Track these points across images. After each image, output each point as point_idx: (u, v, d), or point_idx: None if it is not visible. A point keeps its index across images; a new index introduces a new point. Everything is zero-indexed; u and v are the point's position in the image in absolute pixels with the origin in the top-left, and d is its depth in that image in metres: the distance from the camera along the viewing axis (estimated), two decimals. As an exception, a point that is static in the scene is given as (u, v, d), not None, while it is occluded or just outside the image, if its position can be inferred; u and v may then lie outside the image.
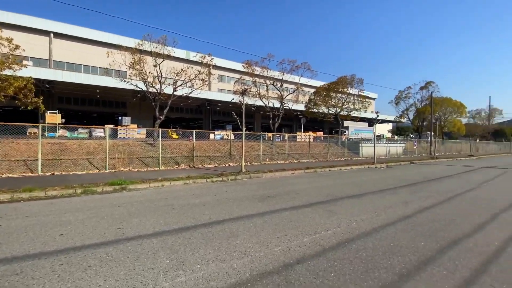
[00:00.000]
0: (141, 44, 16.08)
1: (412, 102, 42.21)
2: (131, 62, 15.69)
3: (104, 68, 23.59)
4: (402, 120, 47.31)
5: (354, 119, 32.79)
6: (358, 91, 31.29)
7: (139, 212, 5.86)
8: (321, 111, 30.23)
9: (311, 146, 23.09)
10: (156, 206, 6.41)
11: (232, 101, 14.80)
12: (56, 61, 31.57)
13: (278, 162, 18.09)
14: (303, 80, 24.99)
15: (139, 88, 16.81)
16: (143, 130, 25.28)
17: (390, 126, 62.81)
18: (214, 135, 28.52)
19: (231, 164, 15.73)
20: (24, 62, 19.49)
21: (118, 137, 22.41)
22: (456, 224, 5.33)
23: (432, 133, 32.21)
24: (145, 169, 12.74)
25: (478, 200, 7.63)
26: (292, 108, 28.33)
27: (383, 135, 48.24)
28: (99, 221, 5.17)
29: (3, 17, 26.96)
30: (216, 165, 15.17)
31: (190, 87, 18.39)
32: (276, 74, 23.88)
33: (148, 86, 16.33)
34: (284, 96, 23.30)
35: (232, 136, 24.67)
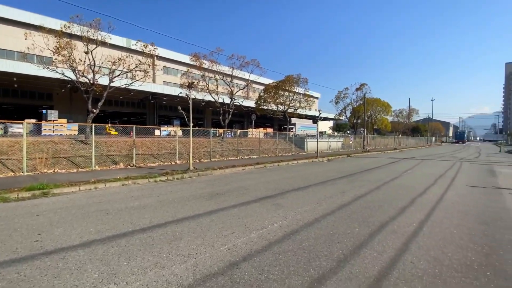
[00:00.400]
0: (69, 27, 13.88)
1: (349, 102, 46.69)
2: (56, 46, 13.45)
3: (21, 52, 19.77)
4: (341, 118, 52.05)
5: (300, 116, 34.64)
6: (304, 90, 33.12)
7: (64, 220, 5.04)
8: (270, 108, 31.09)
9: (261, 142, 23.56)
10: (86, 212, 5.62)
11: (180, 95, 13.94)
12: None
13: (229, 158, 17.94)
14: (253, 77, 25.24)
15: (67, 77, 14.57)
16: (75, 126, 22.15)
17: (331, 123, 68.52)
18: (160, 131, 26.77)
19: (178, 162, 14.95)
20: None
21: (43, 133, 19.13)
22: (383, 209, 6.02)
23: (365, 130, 36.26)
24: (75, 170, 11.14)
25: (401, 187, 8.82)
26: (243, 104, 28.41)
27: (325, 131, 52.38)
28: (10, 234, 4.28)
29: None
30: (161, 163, 14.21)
31: (131, 78, 16.76)
32: (225, 69, 23.53)
33: (78, 76, 14.25)
34: (234, 92, 23.15)
35: (180, 132, 23.52)
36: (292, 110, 31.55)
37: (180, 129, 22.10)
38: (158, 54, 18.12)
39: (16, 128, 19.41)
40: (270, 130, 39.77)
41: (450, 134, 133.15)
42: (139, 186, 8.58)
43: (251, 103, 35.25)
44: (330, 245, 3.96)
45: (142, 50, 16.30)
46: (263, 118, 42.57)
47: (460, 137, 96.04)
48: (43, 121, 22.13)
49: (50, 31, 13.77)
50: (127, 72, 16.21)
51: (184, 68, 30.45)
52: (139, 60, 16.19)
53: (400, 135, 57.01)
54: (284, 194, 7.49)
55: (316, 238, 4.21)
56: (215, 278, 2.99)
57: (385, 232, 4.53)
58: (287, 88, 30.61)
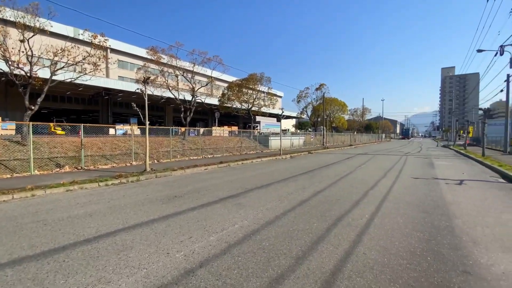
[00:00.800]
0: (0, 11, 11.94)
1: (310, 101, 48.68)
2: (-20, 31, 11.46)
3: None
4: (303, 116, 54.10)
5: (264, 114, 35.00)
6: (268, 89, 33.56)
7: (-13, 236, 4.28)
8: (234, 106, 30.86)
9: (225, 140, 23.22)
10: (19, 224, 4.87)
11: (136, 91, 12.94)
12: None
13: (191, 158, 17.33)
14: (216, 74, 24.72)
15: (-3, 68, 12.56)
16: (12, 125, 19.35)
17: (293, 121, 70.81)
18: (115, 130, 24.76)
19: (134, 163, 13.96)
20: None
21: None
22: (340, 203, 6.32)
23: (324, 127, 38.19)
24: (8, 176, 9.65)
25: (355, 181, 9.40)
26: (206, 101, 27.72)
27: (288, 129, 53.91)
28: None
29: None
30: (115, 165, 13.11)
31: (79, 72, 15.10)
32: (186, 64, 22.64)
33: (12, 67, 12.36)
34: (196, 89, 22.40)
35: (138, 131, 22.04)
36: (256, 108, 31.75)
37: (138, 127, 20.68)
38: (110, 46, 16.64)
39: None
40: (235, 128, 39.56)
41: (398, 131, 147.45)
42: (87, 192, 7.75)
43: (214, 101, 34.60)
44: (289, 242, 3.99)
45: (90, 41, 14.79)
46: (228, 116, 42.16)
47: (405, 133, 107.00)
48: (-33, 119, 18.90)
49: (-28, 13, 11.69)
50: (73, 65, 14.57)
51: (141, 63, 28.59)
52: (87, 52, 14.67)
53: (355, 132, 61.29)
54: (246, 193, 7.42)
55: (276, 237, 4.21)
56: (168, 289, 2.77)
57: (341, 226, 4.74)
58: (251, 86, 30.68)
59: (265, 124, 44.12)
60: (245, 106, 30.90)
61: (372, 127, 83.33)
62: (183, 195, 7.23)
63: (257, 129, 35.70)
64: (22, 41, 12.60)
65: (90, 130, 14.54)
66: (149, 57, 20.97)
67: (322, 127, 41.85)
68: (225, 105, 31.01)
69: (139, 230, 4.49)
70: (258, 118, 39.16)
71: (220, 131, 32.25)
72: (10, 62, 12.32)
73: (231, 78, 37.76)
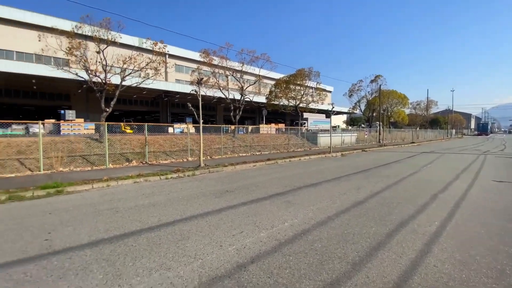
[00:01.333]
0: (80, 27, 14.12)
1: (364, 95, 45.25)
2: (69, 47, 13.73)
3: (38, 54, 20.45)
4: (355, 111, 50.63)
5: (312, 111, 33.89)
6: (316, 84, 32.38)
7: (75, 218, 5.08)
8: (281, 103, 30.64)
9: (273, 137, 23.27)
10: (97, 210, 5.65)
11: (191, 92, 13.91)
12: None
13: (240, 155, 17.84)
14: (263, 72, 24.88)
15: (80, 77, 14.88)
16: (92, 125, 22.79)
17: (344, 117, 66.96)
18: (173, 129, 27.06)
19: (190, 159, 15.00)
20: None
21: (62, 133, 19.83)
22: (402, 206, 5.67)
23: (381, 123, 35.06)
24: (89, 168, 11.38)
25: (420, 182, 8.34)
26: (254, 100, 28.18)
27: (338, 125, 51.24)
28: (21, 233, 4.32)
29: None
30: (173, 160, 14.30)
31: (144, 77, 16.91)
32: (235, 64, 23.31)
33: (91, 75, 14.53)
34: (244, 88, 22.93)
35: (192, 129, 23.67)
36: (304, 104, 30.97)
37: (192, 126, 22.24)
38: (168, 51, 18.15)
39: (36, 128, 20.17)
40: (282, 125, 39.35)
41: (472, 126, 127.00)
42: (150, 184, 8.61)
43: (262, 99, 34.93)
44: (344, 246, 3.72)
45: (152, 48, 16.38)
46: (275, 114, 42.16)
47: (483, 129, 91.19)
48: (62, 121, 22.91)
49: (62, 32, 14.06)
50: (138, 71, 16.38)
51: (195, 65, 30.54)
52: (149, 58, 16.30)
53: (418, 128, 54.86)
54: (295, 191, 7.26)
55: (329, 239, 3.98)
56: (221, 281, 2.84)
57: (405, 232, 4.23)
58: (299, 82, 30.00)
59: (313, 121, 42.76)
60: (292, 102, 30.42)
61: (439, 122, 73.45)
62: (234, 190, 7.45)
63: (304, 126, 34.77)
64: (98, 52, 14.64)
65: (153, 129, 16.19)
66: (201, 59, 22.23)
67: (378, 122, 38.57)
68: (272, 102, 31.00)
69: (195, 222, 4.75)
70: (305, 114, 38.09)
71: (267, 129, 32.43)
72: (89, 71, 14.47)
73: (277, 75, 37.58)
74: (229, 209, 5.59)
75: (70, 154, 11.90)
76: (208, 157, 15.87)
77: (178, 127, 28.36)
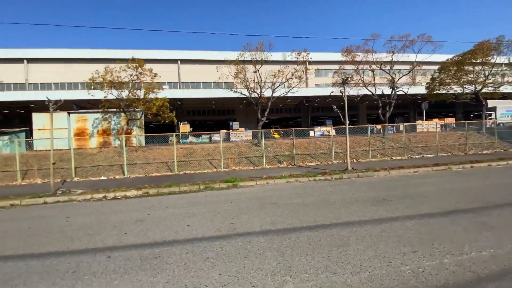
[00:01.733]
0: (242, 54, 17.53)
1: None
2: (235, 72, 17.37)
3: (215, 82, 27.56)
4: None
5: (505, 96, 23.89)
6: (509, 59, 22.68)
7: (248, 208, 6.20)
8: (450, 92, 23.85)
9: (439, 136, 18.54)
10: (262, 203, 6.63)
11: (331, 94, 13.77)
12: (183, 82, 39.42)
13: (393, 158, 15.48)
14: (421, 57, 20.44)
15: (243, 94, 18.40)
16: (249, 132, 27.68)
17: None
18: (314, 132, 27.79)
19: (334, 161, 14.70)
20: (164, 87, 25.28)
21: (231, 140, 25.53)
22: None
23: None
24: (251, 168, 13.73)
25: None
26: (408, 92, 23.78)
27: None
28: (215, 216, 5.78)
29: (143, 54, 35.74)
30: (318, 163, 14.55)
31: (288, 87, 18.57)
32: (383, 56, 20.63)
33: (250, 92, 17.64)
34: (396, 80, 19.81)
35: (334, 132, 23.21)
36: (489, 89, 22.55)
37: (333, 128, 21.81)
38: (311, 58, 18.83)
39: (216, 136, 27.00)
40: (450, 120, 30.71)
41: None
42: (300, 184, 9.16)
43: (419, 90, 28.86)
44: None
45: (296, 59, 17.64)
46: (438, 106, 33.45)
47: None
48: (230, 130, 29.41)
49: (231, 61, 17.99)
50: (284, 82, 18.13)
51: (335, 67, 29.91)
52: (294, 68, 17.64)
53: None
54: (490, 210, 5.29)
55: None
56: (399, 305, 2.45)
57: None
58: (479, 61, 22.22)
59: (506, 110, 30.25)
60: (469, 88, 22.92)
61: None
62: (393, 199, 6.47)
63: (490, 119, 25.21)
64: (255, 72, 17.52)
65: (297, 133, 17.34)
66: (343, 58, 21.41)
67: None
68: (436, 92, 24.72)
69: (352, 229, 4.50)
70: (491, 103, 27.56)
71: (427, 125, 26.30)
72: (249, 89, 17.59)
73: (441, 58, 29.66)
74: (391, 221, 4.88)
75: (239, 156, 14.92)
76: (354, 160, 14.91)
77: (318, 130, 28.81)
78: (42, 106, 23.23)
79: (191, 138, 25.95)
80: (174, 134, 16.02)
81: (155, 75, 16.38)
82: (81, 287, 3.07)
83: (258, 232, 4.62)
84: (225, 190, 8.78)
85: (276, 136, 27.98)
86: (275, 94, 17.45)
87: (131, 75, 16.13)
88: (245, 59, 17.92)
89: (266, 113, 16.82)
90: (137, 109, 16.76)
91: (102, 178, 12.52)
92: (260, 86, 17.12)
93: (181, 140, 24.60)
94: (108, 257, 3.85)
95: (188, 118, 37.10)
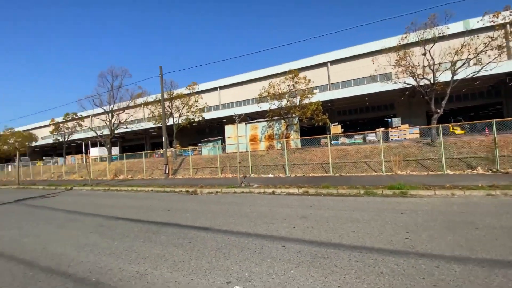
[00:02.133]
0: (405, 37, 14.82)
1: None
2: (396, 59, 14.99)
3: (369, 76, 25.17)
4: None
5: None
6: None
7: (428, 224, 5.03)
8: None
9: None
10: (449, 220, 5.16)
11: None
12: (333, 83, 39.16)
13: None
14: None
15: (408, 84, 15.51)
16: (416, 129, 22.96)
17: None
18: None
19: None
20: (314, 91, 26.29)
21: (390, 139, 22.33)
22: None
23: None
24: (425, 173, 11.19)
25: None
26: None
27: None
28: (383, 226, 5.14)
29: (296, 65, 38.42)
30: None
31: (475, 64, 13.67)
32: None
33: (418, 80, 14.56)
34: None
35: None
36: None
37: None
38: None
39: (370, 136, 24.54)
40: None
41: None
42: (511, 200, 6.34)
43: None
44: None
45: (493, 23, 12.66)
46: None
47: None
48: (389, 128, 25.71)
49: (390, 49, 15.69)
50: (473, 58, 13.46)
51: None
52: (490, 37, 12.71)
53: None
54: None
55: None
56: None
57: None
58: None
59: None
60: None
61: None
62: None
63: None
64: (423, 54, 14.27)
65: (498, 126, 12.18)
66: None
67: None
68: None
69: None
70: None
71: None
72: (415, 76, 14.54)
73: None
74: None
75: (405, 158, 12.66)
76: None
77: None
78: (229, 120, 30.88)
79: (342, 139, 25.17)
80: (327, 135, 16.16)
81: (309, 81, 17.33)
82: (266, 267, 3.65)
83: (449, 257, 3.60)
84: (391, 198, 7.67)
85: (458, 132, 21.46)
86: (458, 77, 13.32)
87: (288, 85, 18.02)
88: (409, 41, 15.03)
89: (444, 102, 13.18)
90: (294, 115, 18.43)
91: (270, 175, 14.76)
92: (433, 70, 13.71)
93: (332, 142, 24.43)
94: (283, 246, 4.37)
95: (339, 118, 36.32)
